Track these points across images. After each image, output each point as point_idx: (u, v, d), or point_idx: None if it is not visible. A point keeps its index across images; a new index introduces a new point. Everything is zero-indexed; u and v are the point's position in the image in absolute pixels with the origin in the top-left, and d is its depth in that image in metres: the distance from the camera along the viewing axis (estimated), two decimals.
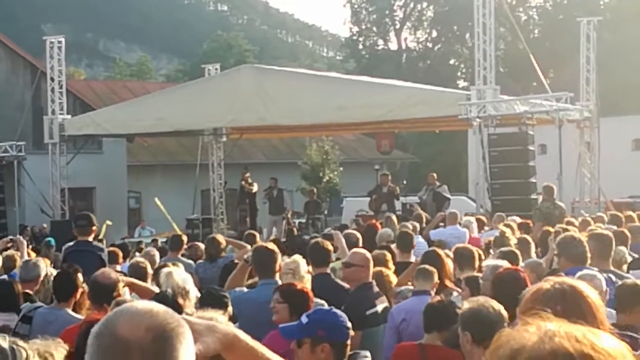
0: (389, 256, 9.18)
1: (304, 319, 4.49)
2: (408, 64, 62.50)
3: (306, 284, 6.95)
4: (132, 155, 34.68)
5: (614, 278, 7.15)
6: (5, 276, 9.28)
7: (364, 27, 65.96)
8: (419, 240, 12.48)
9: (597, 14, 27.91)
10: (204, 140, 29.03)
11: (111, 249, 11.69)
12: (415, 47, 65.90)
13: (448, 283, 8.02)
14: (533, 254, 10.20)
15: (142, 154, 35.82)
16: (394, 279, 8.43)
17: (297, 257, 7.54)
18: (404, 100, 20.93)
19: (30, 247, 15.05)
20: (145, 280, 7.87)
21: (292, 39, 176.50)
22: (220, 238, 12.20)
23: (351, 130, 33.17)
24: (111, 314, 1.99)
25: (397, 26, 65.43)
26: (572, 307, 2.90)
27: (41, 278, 8.15)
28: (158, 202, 26.69)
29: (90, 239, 10.48)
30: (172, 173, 35.20)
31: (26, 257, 10.08)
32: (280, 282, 6.87)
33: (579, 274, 5.76)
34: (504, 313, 4.60)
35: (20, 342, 2.68)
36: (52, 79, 25.73)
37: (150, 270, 8.54)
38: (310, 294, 6.08)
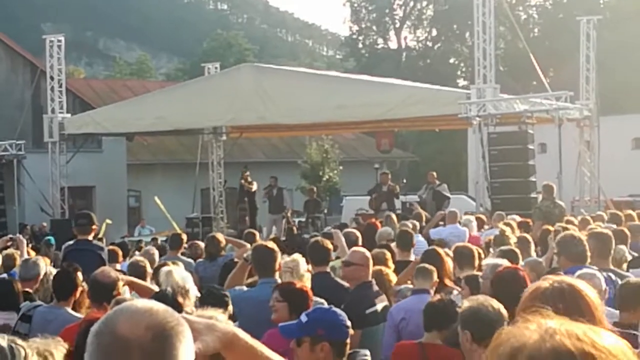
0: (388, 255, 9.18)
1: (303, 317, 4.49)
2: (408, 63, 62.49)
3: (306, 282, 6.95)
4: (131, 154, 34.68)
5: (613, 277, 7.16)
6: (5, 275, 9.29)
7: (363, 26, 65.95)
8: (418, 239, 12.49)
9: (597, 13, 27.88)
10: (204, 139, 29.02)
11: (111, 247, 11.69)
12: (415, 46, 65.94)
13: (448, 282, 8.02)
14: (533, 253, 10.20)
15: (141, 153, 35.81)
16: (393, 278, 8.43)
17: (297, 256, 7.54)
18: (404, 99, 20.92)
19: (30, 246, 15.06)
20: (144, 279, 7.86)
21: (291, 38, 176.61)
22: (220, 237, 12.21)
23: (351, 129, 33.16)
24: (111, 312, 1.99)
25: (397, 25, 65.43)
26: (570, 305, 2.91)
27: (41, 277, 8.14)
28: (158, 201, 26.70)
29: (90, 237, 10.48)
30: (171, 172, 35.19)
31: (26, 256, 10.07)
32: (280, 281, 6.87)
33: (578, 272, 5.77)
34: (504, 312, 4.60)
35: (19, 341, 2.68)
36: (52, 78, 25.72)
37: (149, 269, 8.54)
38: (310, 292, 6.08)
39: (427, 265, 7.61)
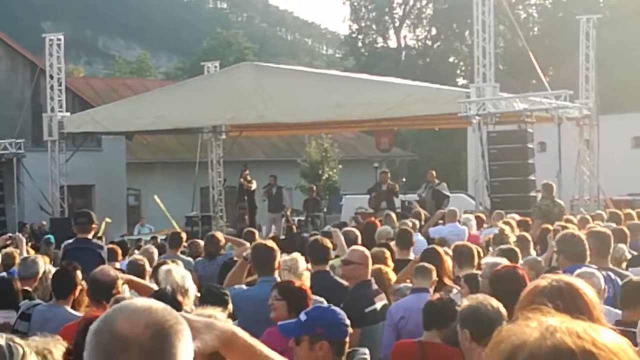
0: (387, 254, 9.18)
1: (302, 316, 4.49)
2: (407, 62, 62.50)
3: (305, 281, 6.96)
4: (131, 152, 34.68)
5: (612, 276, 7.17)
6: (4, 273, 9.30)
7: (363, 24, 65.95)
8: (418, 238, 12.48)
9: (597, 12, 27.85)
10: (204, 138, 29.03)
11: (110, 246, 11.70)
12: (415, 44, 65.91)
13: (447, 281, 8.03)
14: (532, 252, 10.21)
15: (141, 152, 35.81)
16: (392, 277, 8.43)
17: (296, 255, 7.54)
18: (404, 97, 20.92)
19: (30, 244, 15.06)
20: (143, 277, 7.87)
21: (291, 37, 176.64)
22: (220, 236, 12.22)
23: (350, 128, 33.16)
24: (110, 311, 1.99)
25: (397, 24, 65.42)
26: (568, 304, 2.91)
27: (40, 275, 8.14)
28: (157, 200, 26.69)
29: (90, 236, 10.48)
30: (171, 171, 35.18)
31: (25, 255, 10.07)
32: (279, 280, 6.87)
33: (577, 271, 5.77)
34: (503, 311, 4.60)
35: (17, 340, 2.68)
36: (52, 77, 25.72)
37: (148, 268, 8.54)
38: (309, 291, 6.08)
39: (426, 264, 7.61)
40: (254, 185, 26.12)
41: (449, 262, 8.30)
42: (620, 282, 7.05)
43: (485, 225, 15.59)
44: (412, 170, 45.91)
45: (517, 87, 36.77)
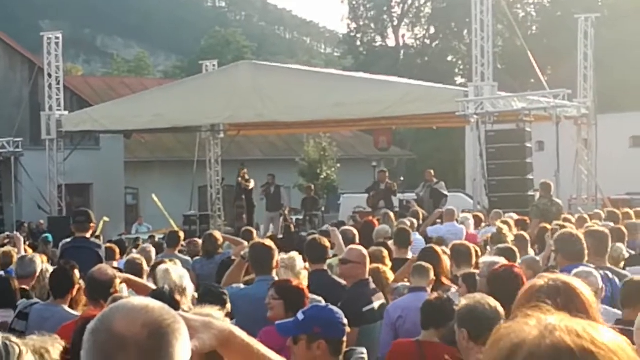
0: (385, 253, 9.18)
1: (300, 315, 4.49)
2: (406, 61, 62.52)
3: (303, 280, 6.95)
4: (129, 151, 34.67)
5: (610, 275, 7.17)
6: (2, 272, 9.30)
7: (361, 23, 65.97)
8: (416, 237, 12.48)
9: (595, 11, 27.86)
10: (202, 137, 29.03)
11: (108, 245, 11.69)
12: (413, 43, 65.92)
13: (445, 280, 8.02)
14: (530, 251, 10.21)
15: (139, 150, 35.80)
16: (390, 276, 8.43)
17: (294, 254, 7.54)
18: (402, 96, 20.92)
19: (27, 243, 15.07)
20: (141, 276, 7.86)
21: (290, 36, 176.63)
22: (218, 235, 12.20)
23: (349, 127, 33.15)
24: (107, 310, 1.99)
25: (395, 23, 65.45)
26: (565, 303, 2.91)
27: (37, 274, 8.14)
28: (155, 199, 26.68)
29: (88, 235, 10.47)
30: (169, 169, 35.18)
31: (23, 254, 10.07)
32: (277, 279, 6.87)
33: (575, 271, 5.77)
34: (501, 310, 4.60)
35: (14, 338, 2.67)
36: (50, 75, 25.71)
37: (146, 267, 8.54)
38: (306, 290, 6.08)
39: (423, 263, 7.60)
40: (252, 184, 26.12)
41: (446, 262, 8.30)
42: (618, 282, 7.06)
43: (483, 225, 15.60)
44: (411, 169, 45.96)
45: (515, 86, 36.80)
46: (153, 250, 11.80)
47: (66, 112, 25.88)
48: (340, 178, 37.85)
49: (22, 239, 11.69)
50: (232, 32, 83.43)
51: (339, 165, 38.16)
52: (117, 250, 11.52)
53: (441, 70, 54.70)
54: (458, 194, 26.41)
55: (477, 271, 6.94)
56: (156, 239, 18.87)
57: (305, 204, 26.29)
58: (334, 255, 9.60)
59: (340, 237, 10.17)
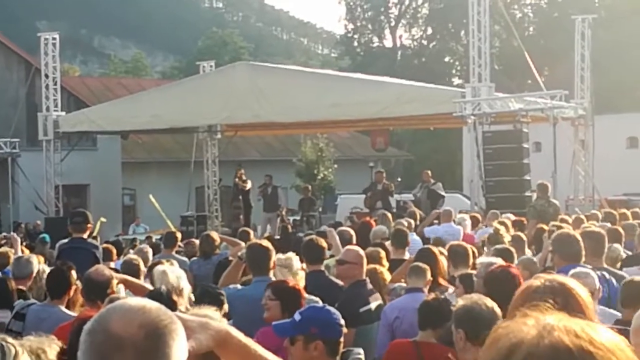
0: (382, 253, 9.17)
1: (297, 316, 4.49)
2: (403, 62, 62.52)
3: (300, 281, 6.95)
4: (126, 152, 34.66)
5: (607, 276, 7.17)
6: None
7: (359, 24, 65.97)
8: (413, 237, 12.48)
9: (592, 12, 27.89)
10: (199, 137, 29.02)
11: (105, 245, 11.68)
12: (410, 44, 65.96)
13: (442, 281, 8.02)
14: (527, 252, 10.22)
15: (136, 151, 35.79)
16: (387, 276, 8.42)
17: (291, 254, 7.54)
18: (399, 97, 20.94)
19: (24, 244, 15.03)
20: (137, 277, 7.86)
21: (287, 36, 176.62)
22: (215, 235, 12.20)
23: (346, 128, 33.17)
24: (104, 310, 1.99)
25: (392, 23, 65.46)
26: (561, 304, 2.91)
27: (34, 275, 8.13)
28: (152, 199, 26.67)
29: (85, 236, 10.46)
30: (166, 170, 35.16)
31: (19, 254, 10.05)
32: (274, 279, 6.87)
33: (572, 271, 5.77)
34: (498, 310, 4.59)
35: (10, 339, 2.68)
36: (47, 76, 25.71)
37: (143, 268, 8.53)
38: (302, 291, 6.08)
39: (420, 264, 7.60)
40: (249, 185, 26.12)
41: (443, 262, 8.30)
42: (615, 282, 7.06)
43: (480, 225, 15.60)
44: (408, 170, 45.97)
45: (512, 87, 36.76)
46: (150, 251, 11.78)
47: (63, 113, 25.88)
48: (338, 179, 37.83)
49: (18, 240, 11.65)
50: (229, 33, 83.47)
51: (336, 165, 38.14)
52: (114, 251, 11.50)
53: (438, 71, 54.73)
54: (455, 195, 26.41)
55: (474, 272, 6.94)
56: (153, 240, 18.86)
57: (302, 204, 26.27)
58: (331, 256, 9.60)
59: (337, 237, 10.17)
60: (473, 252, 8.67)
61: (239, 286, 7.45)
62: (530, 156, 20.27)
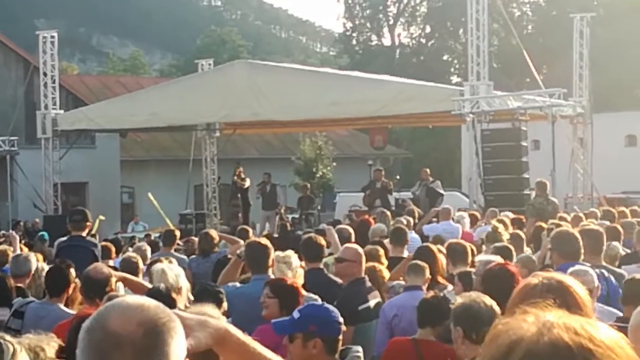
0: (381, 251, 9.18)
1: (295, 314, 4.49)
2: (401, 60, 62.54)
3: (299, 279, 6.96)
4: (125, 150, 34.67)
5: (606, 273, 7.18)
6: None
7: (357, 22, 65.97)
8: (412, 235, 12.48)
9: (591, 10, 27.90)
10: (197, 136, 29.01)
11: (104, 243, 11.68)
12: (409, 42, 65.97)
13: (440, 279, 8.02)
14: (526, 250, 10.22)
15: (135, 149, 35.79)
16: (386, 274, 8.43)
17: (290, 252, 7.54)
18: (397, 95, 20.93)
19: (23, 242, 15.03)
20: (136, 275, 7.85)
21: (285, 35, 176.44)
22: (214, 233, 12.19)
23: (344, 126, 33.17)
24: (102, 308, 1.98)
25: (391, 22, 65.47)
26: (559, 301, 2.91)
27: (32, 272, 8.13)
28: (151, 197, 26.68)
29: (84, 234, 10.46)
30: (165, 168, 35.17)
31: (18, 252, 10.05)
32: (273, 277, 6.87)
33: (570, 269, 5.78)
34: (496, 308, 4.59)
35: (8, 337, 2.67)
36: (45, 74, 25.70)
37: (141, 265, 8.53)
38: (301, 289, 6.08)
39: (419, 262, 7.60)
40: (247, 183, 26.12)
41: (442, 260, 8.30)
42: (613, 280, 7.07)
43: (479, 223, 15.61)
44: (406, 168, 45.97)
45: (511, 85, 36.80)
46: (149, 249, 11.80)
47: (62, 111, 25.87)
48: (336, 177, 37.84)
49: (17, 238, 11.66)
50: (227, 31, 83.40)
51: (334, 163, 38.15)
52: (113, 249, 11.50)
53: (437, 69, 54.70)
54: (454, 193, 26.42)
55: (472, 270, 6.94)
56: (152, 238, 18.83)
57: (301, 202, 26.27)
58: (330, 254, 9.60)
59: (336, 235, 10.16)
60: (472, 250, 8.67)
61: (237, 284, 7.45)
62: (528, 154, 20.26)
